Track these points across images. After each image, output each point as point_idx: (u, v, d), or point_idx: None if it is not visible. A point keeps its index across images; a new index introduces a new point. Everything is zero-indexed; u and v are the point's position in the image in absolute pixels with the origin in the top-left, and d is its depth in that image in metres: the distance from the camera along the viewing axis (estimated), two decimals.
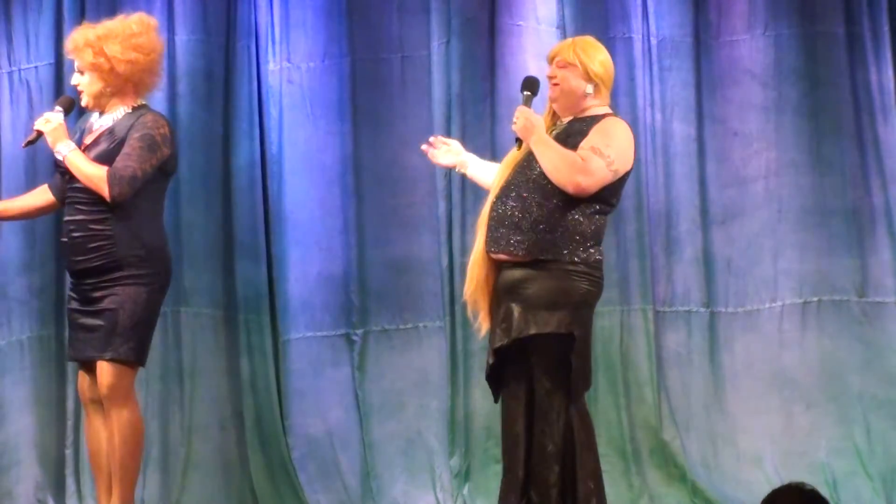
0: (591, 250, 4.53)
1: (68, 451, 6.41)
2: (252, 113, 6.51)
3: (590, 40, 4.72)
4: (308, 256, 6.53)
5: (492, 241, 4.54)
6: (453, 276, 6.37)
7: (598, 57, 4.63)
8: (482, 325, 4.63)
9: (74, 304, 4.88)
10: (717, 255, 6.46)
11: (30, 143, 4.96)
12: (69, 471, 6.39)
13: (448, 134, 6.45)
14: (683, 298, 6.46)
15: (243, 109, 6.52)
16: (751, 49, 6.52)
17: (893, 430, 6.29)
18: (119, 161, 4.75)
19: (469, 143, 6.38)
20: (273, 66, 6.55)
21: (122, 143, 4.80)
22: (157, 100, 6.47)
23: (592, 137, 4.52)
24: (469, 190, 6.35)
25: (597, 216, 4.55)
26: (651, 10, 6.53)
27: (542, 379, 4.48)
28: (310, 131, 6.59)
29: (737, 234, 6.47)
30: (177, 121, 6.48)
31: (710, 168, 6.51)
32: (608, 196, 4.56)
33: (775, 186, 6.47)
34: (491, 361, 4.59)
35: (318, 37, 6.63)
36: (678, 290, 6.45)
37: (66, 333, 5.11)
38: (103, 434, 4.88)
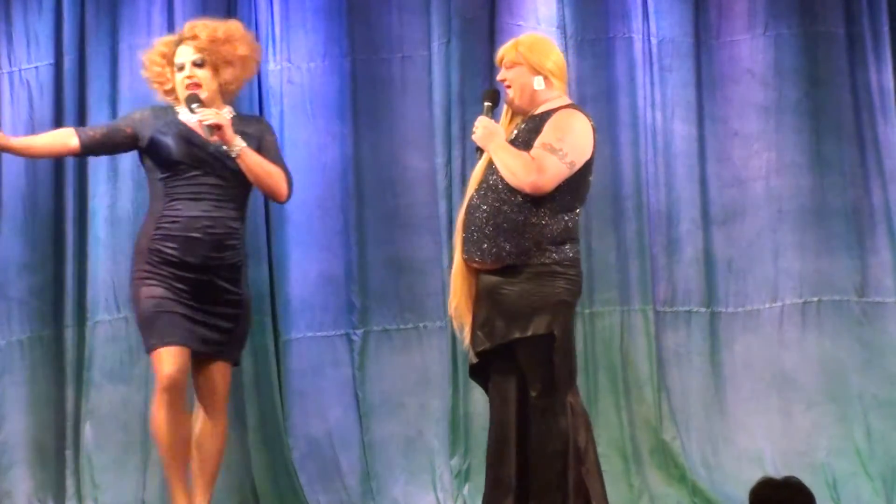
0: (564, 249, 4.52)
1: (68, 452, 6.42)
2: (252, 112, 6.50)
3: (533, 36, 4.77)
4: (308, 256, 6.53)
5: (466, 250, 4.56)
6: None
7: (542, 50, 4.64)
8: (467, 336, 4.63)
9: (180, 299, 4.80)
10: (718, 255, 6.47)
11: (215, 136, 4.82)
12: (69, 471, 6.40)
13: (448, 134, 6.46)
14: (684, 298, 6.46)
15: (243, 109, 6.44)
16: (751, 49, 6.53)
17: (893, 430, 6.29)
18: (279, 164, 4.89)
19: (469, 142, 6.38)
20: (273, 67, 6.55)
21: (258, 144, 4.87)
22: (156, 100, 6.48)
23: (545, 134, 4.52)
24: None
25: (564, 214, 4.53)
26: (651, 9, 6.53)
27: (534, 381, 4.49)
28: (310, 131, 6.59)
29: (737, 234, 6.47)
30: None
31: (710, 168, 6.51)
32: (572, 190, 4.54)
33: (775, 186, 6.48)
34: (474, 361, 4.61)
35: (318, 37, 6.63)
36: (678, 290, 6.46)
37: (137, 321, 4.96)
38: (189, 425, 4.89)
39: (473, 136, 4.59)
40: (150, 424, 4.99)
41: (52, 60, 6.55)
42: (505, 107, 4.69)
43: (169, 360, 4.79)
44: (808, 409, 6.37)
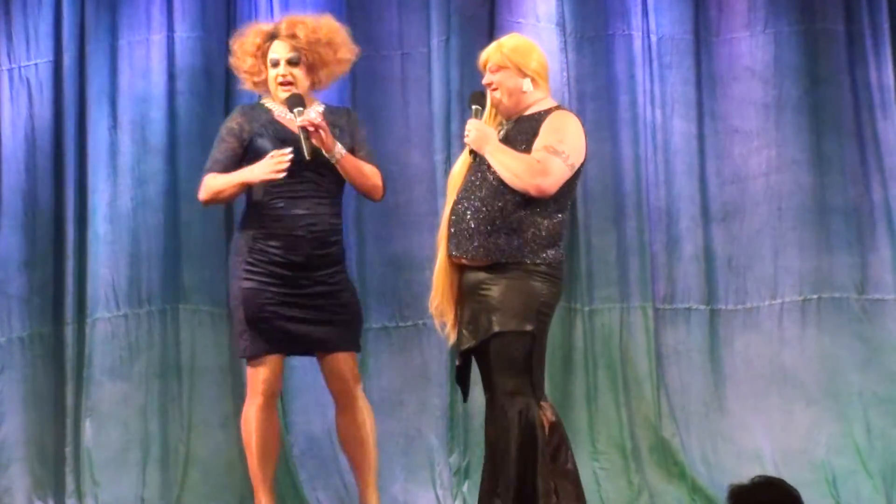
0: (552, 251, 4.53)
1: (67, 449, 6.41)
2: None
3: (516, 38, 4.77)
4: None
5: (453, 246, 4.56)
6: None
7: (527, 52, 4.65)
8: (451, 333, 4.64)
9: (282, 300, 4.83)
10: (718, 252, 6.46)
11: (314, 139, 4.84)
12: (68, 468, 6.39)
13: (448, 131, 6.45)
14: (683, 296, 6.46)
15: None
16: (751, 46, 6.52)
17: (893, 428, 6.29)
18: (373, 160, 4.97)
19: None
20: None
21: (351, 139, 4.91)
22: (156, 97, 6.49)
23: (544, 136, 4.53)
24: None
25: (557, 215, 4.55)
26: (651, 7, 6.53)
27: (503, 379, 4.47)
28: None
29: (737, 231, 6.47)
30: (175, 118, 6.50)
31: (710, 165, 6.51)
32: (564, 193, 4.56)
33: (775, 184, 6.48)
34: (458, 363, 4.61)
35: None
36: (678, 288, 6.46)
37: (237, 329, 4.98)
38: (277, 429, 4.99)
39: (466, 140, 4.59)
40: (241, 427, 5.04)
41: (51, 58, 6.55)
42: (487, 109, 4.68)
43: (263, 368, 4.86)
44: (808, 406, 6.37)
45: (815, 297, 6.44)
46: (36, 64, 6.55)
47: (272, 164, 4.78)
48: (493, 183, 4.51)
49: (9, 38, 6.55)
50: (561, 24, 6.48)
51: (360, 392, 4.98)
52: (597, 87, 6.47)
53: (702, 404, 6.39)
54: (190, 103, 6.53)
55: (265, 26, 5.06)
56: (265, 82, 4.98)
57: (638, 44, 6.50)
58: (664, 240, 6.46)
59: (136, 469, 6.38)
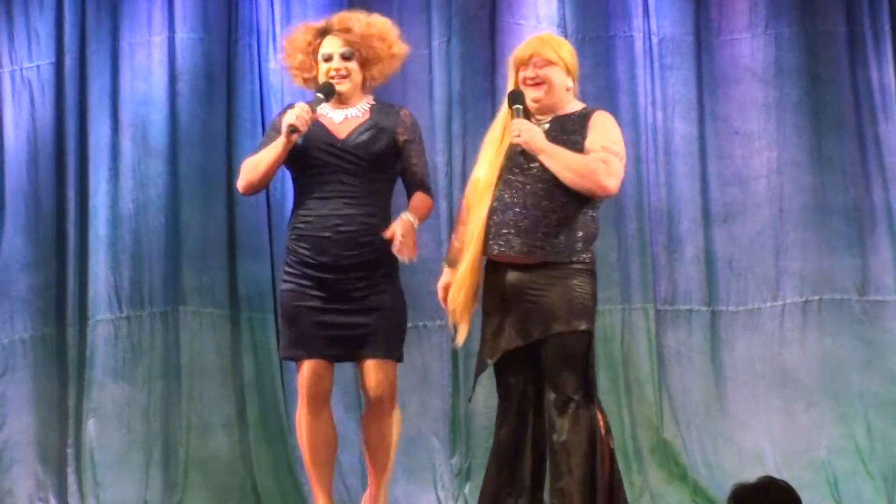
0: (593, 248, 4.57)
1: (70, 450, 6.42)
2: (254, 111, 6.52)
3: (554, 35, 4.82)
4: None
5: (499, 246, 4.52)
6: None
7: (571, 51, 4.67)
8: (462, 330, 4.61)
9: (317, 303, 4.78)
10: (719, 253, 6.47)
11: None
12: (70, 469, 6.40)
13: (449, 133, 6.45)
14: (685, 297, 6.46)
15: (245, 108, 6.53)
16: (752, 47, 6.53)
17: (894, 429, 6.30)
18: (424, 180, 4.90)
19: (470, 141, 6.41)
20: (274, 65, 6.54)
21: (392, 138, 4.84)
22: (157, 98, 6.50)
23: (598, 136, 4.54)
24: None
25: (595, 213, 4.60)
26: (652, 8, 6.53)
27: (564, 378, 4.48)
28: None
29: (738, 232, 6.47)
30: (177, 119, 6.50)
31: (711, 166, 6.51)
32: None
33: (776, 185, 6.48)
34: (492, 361, 4.58)
35: None
36: (679, 289, 6.46)
37: (281, 330, 4.98)
38: (332, 431, 4.92)
39: (517, 140, 4.51)
40: (294, 429, 5.03)
41: (53, 59, 6.56)
42: (504, 108, 4.67)
43: (304, 371, 4.84)
44: (809, 407, 6.37)
45: (816, 298, 6.45)
46: (37, 66, 6.56)
47: (289, 117, 4.71)
48: (544, 182, 4.50)
49: (10, 39, 6.55)
50: (562, 26, 6.48)
51: (394, 404, 4.90)
52: (598, 88, 6.47)
53: (703, 405, 6.39)
54: (191, 105, 6.54)
55: (316, 23, 4.98)
56: (315, 79, 4.91)
57: (639, 45, 6.51)
58: (665, 241, 6.47)
59: (139, 470, 6.38)
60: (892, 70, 6.48)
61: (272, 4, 6.62)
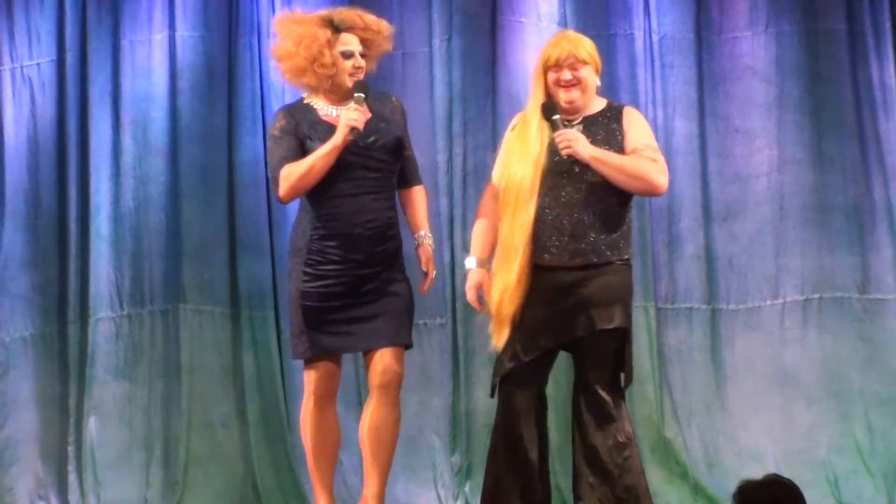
0: (630, 244, 4.66)
1: (70, 448, 6.42)
2: (255, 109, 6.51)
3: (579, 34, 4.78)
4: None
5: (547, 254, 4.55)
6: (455, 273, 6.37)
7: (595, 48, 4.71)
8: (503, 336, 4.58)
9: (340, 301, 4.80)
10: (719, 251, 6.46)
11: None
12: (71, 467, 6.40)
13: (450, 131, 6.45)
14: (685, 295, 6.46)
15: (246, 106, 6.52)
16: (752, 46, 6.52)
17: (894, 427, 6.29)
18: (416, 167, 5.01)
19: (471, 139, 6.41)
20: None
21: (396, 127, 4.89)
22: (158, 96, 6.50)
23: (639, 134, 4.62)
24: (471, 187, 6.36)
25: (630, 211, 4.68)
26: (652, 6, 6.53)
27: (602, 374, 4.55)
28: None
29: (738, 230, 6.47)
30: (177, 117, 6.50)
31: (711, 165, 6.51)
32: None
33: (777, 183, 6.47)
34: (527, 358, 4.57)
35: None
36: (680, 287, 6.46)
37: (292, 331, 4.95)
38: (336, 429, 4.94)
39: (567, 151, 4.53)
40: (299, 426, 5.02)
41: (54, 57, 6.55)
42: (523, 113, 4.70)
43: (319, 369, 4.85)
44: (810, 406, 6.37)
45: (816, 296, 6.44)
46: (38, 63, 6.56)
47: (346, 119, 4.70)
48: (588, 185, 4.54)
49: (11, 37, 6.55)
50: (563, 24, 6.47)
51: (398, 393, 4.91)
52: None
53: (703, 404, 6.39)
54: (192, 102, 6.53)
55: (320, 18, 4.92)
56: (331, 76, 4.88)
57: (639, 43, 6.50)
58: (666, 239, 6.46)
59: (140, 468, 6.39)
60: (892, 68, 6.47)
61: (273, 2, 6.60)
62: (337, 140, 4.71)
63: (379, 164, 4.83)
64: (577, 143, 4.52)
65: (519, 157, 4.62)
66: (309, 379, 4.89)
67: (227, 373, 6.47)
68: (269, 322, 6.44)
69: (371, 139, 4.82)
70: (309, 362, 4.89)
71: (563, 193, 4.55)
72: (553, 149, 4.57)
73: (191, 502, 6.34)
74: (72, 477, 6.38)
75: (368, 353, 4.88)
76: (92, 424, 6.38)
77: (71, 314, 6.48)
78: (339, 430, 4.97)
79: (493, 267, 4.64)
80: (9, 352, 6.45)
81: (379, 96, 4.98)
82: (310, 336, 4.84)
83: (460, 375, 6.37)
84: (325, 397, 4.90)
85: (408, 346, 4.94)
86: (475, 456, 6.28)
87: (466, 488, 6.30)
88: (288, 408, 6.38)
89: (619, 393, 4.59)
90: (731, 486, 6.08)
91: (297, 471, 6.32)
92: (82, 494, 6.35)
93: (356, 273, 4.79)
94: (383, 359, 4.85)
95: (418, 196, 5.01)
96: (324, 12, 4.98)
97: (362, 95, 4.79)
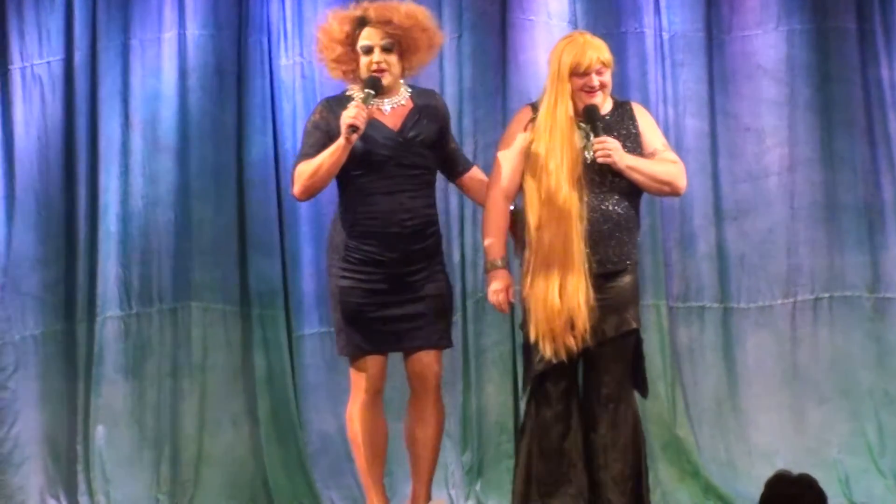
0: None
1: (79, 447, 6.42)
2: (265, 108, 6.50)
3: (596, 37, 4.79)
4: (321, 252, 6.46)
5: (601, 260, 4.60)
6: (465, 272, 6.37)
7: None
8: (561, 345, 4.60)
9: (380, 299, 4.78)
10: (730, 250, 6.46)
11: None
12: (80, 466, 6.40)
13: (460, 129, 6.44)
14: (697, 294, 6.45)
15: (256, 105, 6.51)
16: (763, 44, 6.51)
17: None
18: (465, 157, 5.07)
19: (481, 137, 6.41)
20: (286, 61, 6.54)
21: (438, 122, 4.87)
22: (167, 95, 6.49)
23: (654, 136, 4.73)
24: None
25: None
26: (663, 4, 6.52)
27: (619, 373, 4.61)
28: None
29: (750, 229, 6.46)
30: (187, 115, 6.50)
31: (722, 163, 6.50)
32: None
33: (788, 182, 6.47)
34: (556, 360, 4.59)
35: None
36: (691, 286, 6.45)
37: (337, 328, 4.92)
38: (385, 428, 4.93)
39: (609, 160, 4.57)
40: (346, 428, 5.00)
41: (63, 56, 6.54)
42: (535, 115, 4.71)
43: (364, 366, 4.83)
44: (820, 405, 6.37)
45: (826, 295, 6.43)
46: (48, 62, 6.55)
47: (344, 118, 4.65)
48: (618, 192, 4.61)
49: (21, 36, 6.54)
50: (573, 22, 6.47)
51: (438, 395, 4.90)
52: None
53: (715, 402, 6.39)
54: (201, 101, 6.53)
55: (351, 13, 4.88)
56: (354, 71, 4.86)
57: (650, 41, 6.49)
58: (677, 238, 6.46)
59: (149, 467, 6.39)
60: None
61: (283, 1, 6.60)
62: (341, 140, 4.68)
63: (416, 159, 4.80)
64: (616, 152, 4.57)
65: (557, 165, 4.60)
66: (356, 376, 4.88)
67: (238, 371, 6.46)
68: (279, 320, 6.44)
69: (411, 133, 4.81)
70: (354, 359, 4.87)
71: (601, 200, 4.61)
72: (582, 155, 4.61)
73: (201, 501, 6.34)
74: (81, 476, 6.39)
75: (408, 354, 4.88)
76: (101, 423, 6.37)
77: (80, 313, 6.48)
78: (387, 427, 4.95)
79: (532, 275, 4.61)
80: (18, 350, 6.45)
81: (421, 92, 4.95)
82: (348, 333, 4.83)
83: (471, 374, 6.36)
84: (376, 394, 4.88)
85: (450, 345, 4.95)
86: (486, 454, 6.28)
87: (477, 487, 6.29)
88: (298, 406, 6.38)
89: (628, 395, 4.65)
90: (742, 484, 6.17)
91: (307, 469, 6.32)
92: (91, 493, 6.35)
93: (394, 271, 4.77)
94: (423, 361, 4.86)
95: (477, 175, 5.00)
96: (364, 5, 4.91)
97: (372, 92, 4.75)
